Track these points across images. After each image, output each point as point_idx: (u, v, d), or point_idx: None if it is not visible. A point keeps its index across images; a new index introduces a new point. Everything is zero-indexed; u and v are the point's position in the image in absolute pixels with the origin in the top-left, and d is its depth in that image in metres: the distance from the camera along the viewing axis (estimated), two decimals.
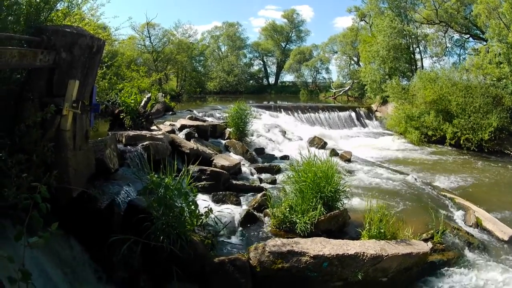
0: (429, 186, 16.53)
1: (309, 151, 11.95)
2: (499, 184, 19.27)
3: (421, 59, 43.78)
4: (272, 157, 18.72)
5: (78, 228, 7.23)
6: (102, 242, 7.16)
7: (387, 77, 38.39)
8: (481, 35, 35.18)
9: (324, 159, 11.17)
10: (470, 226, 12.73)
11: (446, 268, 9.80)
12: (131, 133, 13.05)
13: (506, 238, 11.88)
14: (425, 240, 10.45)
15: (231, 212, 10.66)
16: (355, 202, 12.05)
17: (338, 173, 10.91)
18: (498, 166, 22.83)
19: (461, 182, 18.75)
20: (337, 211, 10.41)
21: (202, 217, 8.98)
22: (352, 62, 63.96)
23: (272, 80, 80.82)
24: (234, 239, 9.66)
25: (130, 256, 7.34)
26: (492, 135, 25.92)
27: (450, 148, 27.48)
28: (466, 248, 10.85)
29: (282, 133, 23.98)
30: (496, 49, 27.12)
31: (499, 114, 26.13)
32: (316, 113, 33.68)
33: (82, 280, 6.85)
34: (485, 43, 31.52)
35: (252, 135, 21.11)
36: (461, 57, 40.47)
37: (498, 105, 26.82)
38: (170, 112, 26.68)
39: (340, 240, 9.09)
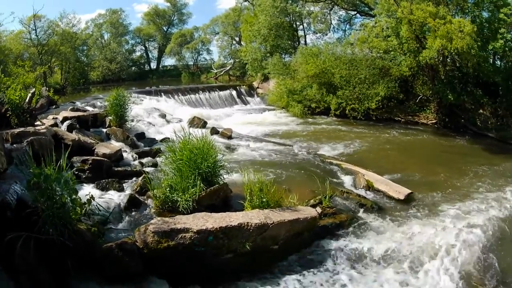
0: (315, 155, 16.56)
1: (184, 130, 11.72)
2: (389, 148, 19.66)
3: (305, 36, 44.49)
4: (152, 141, 18.19)
5: None
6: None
7: (268, 54, 38.71)
8: (369, 12, 35.53)
9: (199, 137, 11.01)
10: (361, 189, 12.69)
11: (339, 230, 9.87)
12: (16, 130, 12.43)
13: (402, 197, 12.00)
14: (314, 206, 10.42)
15: (116, 198, 10.45)
16: (237, 177, 11.77)
17: (214, 149, 10.81)
18: (387, 132, 23.29)
19: (349, 149, 18.71)
20: (217, 185, 10.36)
21: (86, 206, 8.64)
22: (234, 42, 64.22)
23: (154, 65, 79.48)
24: (121, 225, 9.49)
25: (27, 252, 6.84)
26: (380, 104, 26.51)
27: (335, 118, 27.61)
28: (359, 210, 10.93)
29: (162, 116, 23.66)
30: (384, 23, 27.12)
31: (386, 84, 26.68)
32: (197, 94, 33.44)
33: None
34: (372, 19, 31.60)
35: (133, 121, 20.53)
36: (346, 33, 40.91)
37: (385, 76, 27.34)
38: (54, 106, 25.02)
39: (223, 213, 8.93)
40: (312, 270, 8.54)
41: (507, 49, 22.94)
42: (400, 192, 12.14)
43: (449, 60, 25.23)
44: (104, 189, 11.17)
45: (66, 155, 8.66)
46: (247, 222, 8.32)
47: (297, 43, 41.74)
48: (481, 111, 25.01)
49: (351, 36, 33.36)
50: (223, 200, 10.44)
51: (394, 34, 25.28)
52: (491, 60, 25.87)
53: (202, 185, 9.88)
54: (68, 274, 7.02)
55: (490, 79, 23.73)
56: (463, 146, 20.98)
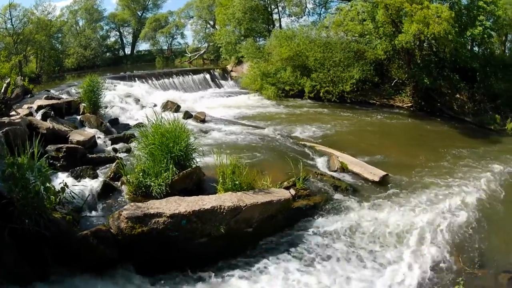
0: (289, 138, 16.57)
1: (155, 115, 11.52)
2: (364, 130, 19.69)
3: (280, 19, 44.11)
4: (126, 126, 17.97)
5: None
6: None
7: (242, 38, 38.64)
8: None
9: (171, 120, 10.92)
10: (335, 170, 12.70)
11: (313, 212, 9.91)
12: None
13: (377, 179, 12.03)
14: (287, 188, 10.43)
15: (90, 185, 10.17)
16: (210, 160, 11.51)
17: (186, 132, 10.64)
18: (362, 115, 23.32)
19: (323, 132, 18.65)
20: (190, 169, 10.27)
21: (60, 194, 8.46)
22: (208, 26, 63.64)
23: (128, 50, 78.00)
24: (96, 212, 9.38)
25: (6, 244, 6.84)
26: (355, 86, 26.49)
27: (310, 101, 27.58)
28: (334, 191, 10.93)
29: (136, 101, 23.41)
30: (360, 7, 26.93)
31: (361, 67, 26.66)
32: (171, 78, 32.90)
33: None
34: (348, 2, 31.55)
35: (106, 107, 20.28)
36: (321, 16, 40.67)
37: (360, 59, 27.32)
38: (29, 95, 24.54)
39: (195, 196, 8.91)
40: (286, 252, 8.55)
41: (485, 36, 23.11)
42: (375, 174, 12.16)
43: (425, 45, 25.31)
44: (78, 176, 10.86)
45: (40, 144, 8.52)
46: (220, 205, 8.32)
47: (271, 26, 41.54)
48: (458, 95, 25.26)
49: (326, 19, 33.04)
50: (196, 183, 10.34)
51: (370, 18, 25.24)
52: (469, 46, 26.08)
53: (174, 169, 9.82)
54: (47, 265, 7.03)
55: (467, 64, 23.93)
56: (440, 130, 21.05)
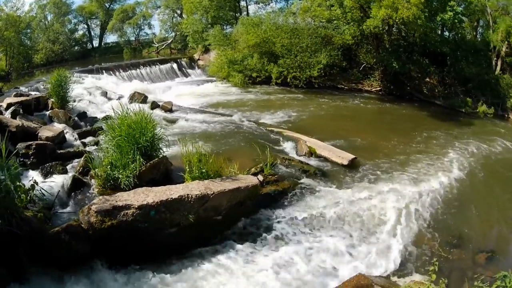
0: (256, 124, 16.53)
1: (122, 107, 11.33)
2: (333, 115, 19.75)
3: (247, 6, 44.38)
4: (94, 120, 17.58)
5: None
6: None
7: (209, 26, 38.39)
8: None
9: (137, 111, 10.85)
10: (304, 155, 12.67)
11: (282, 197, 9.93)
12: None
13: (345, 163, 12.05)
14: (255, 174, 10.44)
15: (60, 181, 10.05)
16: (177, 149, 11.63)
17: (152, 122, 10.63)
18: (331, 99, 23.33)
19: (291, 117, 18.66)
20: (157, 159, 10.27)
21: (30, 192, 8.41)
22: (175, 15, 62.54)
23: (96, 43, 77.42)
24: (67, 208, 9.24)
25: None
26: (322, 71, 26.58)
27: (277, 87, 27.58)
28: (302, 176, 10.94)
29: (104, 94, 22.91)
30: None
31: (329, 52, 26.75)
32: (138, 69, 32.50)
33: None
34: None
35: (75, 101, 19.93)
36: (289, 3, 41.08)
37: (328, 44, 27.40)
38: None
39: (163, 186, 8.87)
40: (255, 238, 8.59)
41: (456, 21, 23.26)
42: (344, 157, 12.17)
43: (394, 30, 25.52)
44: (48, 173, 10.75)
45: (10, 142, 8.81)
46: (188, 194, 8.32)
47: (239, 13, 41.44)
48: (427, 79, 25.58)
49: (293, 5, 33.27)
50: (163, 173, 10.33)
51: (338, 4, 25.24)
52: (440, 31, 26.41)
53: (141, 159, 9.78)
54: (22, 265, 6.98)
55: (437, 49, 24.14)
56: (410, 113, 21.25)
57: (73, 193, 9.77)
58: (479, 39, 28.89)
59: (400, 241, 8.63)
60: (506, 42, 24.54)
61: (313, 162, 12.17)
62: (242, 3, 43.20)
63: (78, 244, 7.43)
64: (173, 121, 17.04)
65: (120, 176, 9.46)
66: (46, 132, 13.40)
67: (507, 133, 18.17)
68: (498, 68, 24.97)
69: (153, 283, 7.42)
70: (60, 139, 13.76)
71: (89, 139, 14.31)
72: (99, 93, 22.69)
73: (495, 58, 25.27)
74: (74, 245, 7.38)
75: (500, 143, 16.26)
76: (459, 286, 7.46)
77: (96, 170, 9.91)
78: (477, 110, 22.06)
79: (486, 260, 8.40)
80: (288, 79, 26.70)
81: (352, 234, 8.82)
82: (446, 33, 27.14)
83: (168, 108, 19.51)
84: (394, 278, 7.69)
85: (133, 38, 69.75)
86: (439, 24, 24.62)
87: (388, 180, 11.23)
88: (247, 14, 41.47)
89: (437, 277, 6.58)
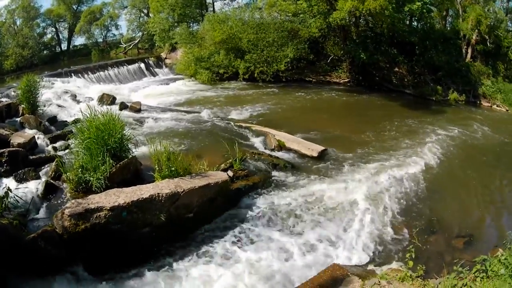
0: (224, 120, 16.59)
1: (89, 109, 11.16)
2: (302, 107, 19.86)
3: (213, 3, 44.21)
4: (64, 123, 17.76)
5: None
6: None
7: (176, 24, 38.65)
8: None
9: (105, 112, 10.63)
10: (273, 149, 12.74)
11: (253, 192, 10.00)
12: None
13: (315, 155, 12.13)
14: (225, 170, 10.51)
15: (33, 187, 10.03)
16: (146, 149, 11.55)
17: (120, 123, 10.45)
18: (299, 92, 23.47)
19: (259, 112, 18.76)
20: (126, 160, 10.17)
21: (4, 199, 8.45)
22: (142, 14, 62.21)
23: (65, 46, 77.03)
24: (41, 213, 9.12)
25: None
26: (289, 65, 26.81)
27: (245, 82, 27.77)
28: (272, 170, 11.05)
29: (73, 97, 22.93)
30: None
31: (295, 46, 26.95)
32: (106, 70, 32.01)
33: None
34: None
35: (45, 106, 19.79)
36: None
37: (294, 38, 27.59)
38: None
39: (134, 186, 8.85)
40: (227, 233, 8.65)
41: (424, 11, 23.56)
42: (313, 149, 12.24)
43: (361, 21, 25.85)
44: (21, 179, 10.70)
45: None
46: (158, 193, 8.36)
47: (205, 10, 41.33)
48: (396, 69, 25.84)
49: (259, 0, 33.38)
50: (134, 174, 10.26)
51: None
52: (408, 21, 26.69)
53: (111, 161, 9.70)
54: (2, 275, 6.94)
55: (405, 39, 24.63)
56: (380, 103, 21.47)
57: (46, 199, 9.72)
58: (448, 28, 29.39)
59: (373, 230, 8.69)
60: (477, 30, 25.00)
61: (282, 155, 12.21)
62: (208, 0, 43.06)
63: (53, 249, 7.43)
64: (142, 121, 16.92)
65: (91, 178, 9.40)
66: (17, 139, 13.38)
67: (482, 118, 18.61)
68: (469, 56, 25.57)
69: (131, 285, 7.46)
70: (31, 145, 13.66)
71: (60, 143, 14.21)
72: (69, 97, 22.49)
73: (465, 47, 25.86)
74: (49, 250, 7.38)
75: (476, 127, 16.65)
76: (437, 271, 7.36)
77: (67, 174, 9.84)
78: (448, 98, 22.62)
79: (464, 245, 8.53)
80: (256, 74, 26.90)
81: (325, 225, 8.83)
82: (415, 23, 27.55)
83: (136, 108, 19.34)
84: (371, 267, 7.69)
85: (100, 40, 69.32)
86: (407, 14, 24.76)
87: (360, 169, 11.32)
88: (213, 10, 41.36)
89: (414, 264, 6.64)
